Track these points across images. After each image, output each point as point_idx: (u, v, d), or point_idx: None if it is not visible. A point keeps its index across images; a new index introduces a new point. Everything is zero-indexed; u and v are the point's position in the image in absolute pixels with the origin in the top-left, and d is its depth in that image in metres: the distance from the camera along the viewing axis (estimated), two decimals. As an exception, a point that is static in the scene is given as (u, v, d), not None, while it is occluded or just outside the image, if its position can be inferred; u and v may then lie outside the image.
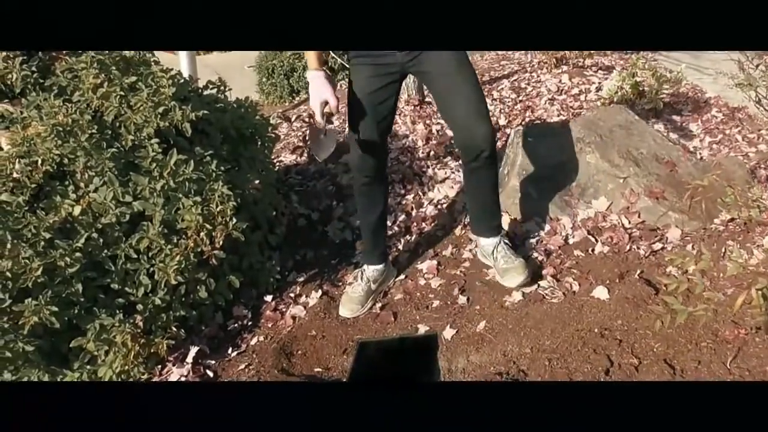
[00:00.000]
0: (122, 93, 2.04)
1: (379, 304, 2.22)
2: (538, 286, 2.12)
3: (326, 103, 1.91)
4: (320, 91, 1.91)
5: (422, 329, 2.03)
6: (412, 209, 2.78)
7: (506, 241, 2.20)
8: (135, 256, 1.95)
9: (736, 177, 2.43)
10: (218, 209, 2.00)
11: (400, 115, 3.95)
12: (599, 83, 4.05)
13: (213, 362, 2.05)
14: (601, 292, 1.98)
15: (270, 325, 2.22)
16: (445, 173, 2.97)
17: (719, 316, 1.75)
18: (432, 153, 3.23)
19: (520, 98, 4.05)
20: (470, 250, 2.41)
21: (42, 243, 1.81)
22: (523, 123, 3.49)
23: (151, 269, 1.95)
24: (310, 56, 1.95)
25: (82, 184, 1.95)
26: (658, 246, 2.22)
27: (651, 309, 1.58)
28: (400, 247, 2.53)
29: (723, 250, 2.05)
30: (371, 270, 2.24)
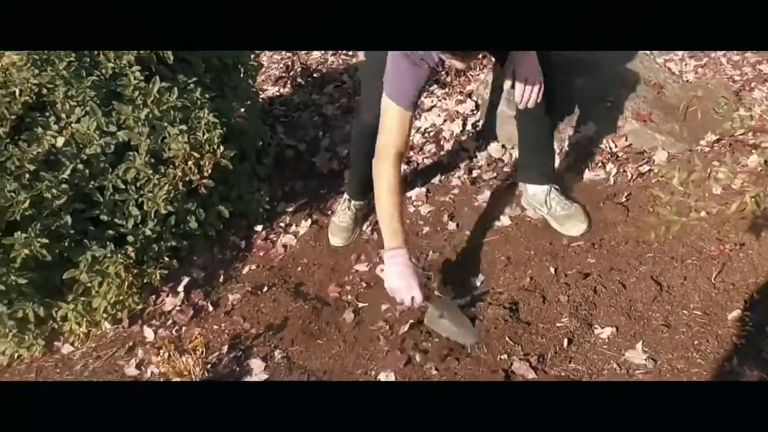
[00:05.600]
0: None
1: (368, 231, 2.24)
2: (524, 209, 2.15)
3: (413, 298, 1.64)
4: (405, 281, 1.62)
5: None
6: (399, 138, 2.76)
7: (557, 186, 2.03)
8: (123, 186, 1.92)
9: (720, 98, 2.43)
10: (205, 137, 1.97)
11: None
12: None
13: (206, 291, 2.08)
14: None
15: (262, 254, 2.23)
16: (432, 102, 2.93)
17: (711, 226, 1.78)
18: (418, 81, 3.17)
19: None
20: (458, 177, 2.41)
21: (27, 175, 1.78)
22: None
23: (140, 199, 1.93)
24: (392, 229, 1.61)
25: (63, 115, 1.89)
26: (645, 168, 2.23)
27: (644, 221, 1.60)
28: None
29: (708, 170, 2.08)
30: (354, 204, 2.21)
